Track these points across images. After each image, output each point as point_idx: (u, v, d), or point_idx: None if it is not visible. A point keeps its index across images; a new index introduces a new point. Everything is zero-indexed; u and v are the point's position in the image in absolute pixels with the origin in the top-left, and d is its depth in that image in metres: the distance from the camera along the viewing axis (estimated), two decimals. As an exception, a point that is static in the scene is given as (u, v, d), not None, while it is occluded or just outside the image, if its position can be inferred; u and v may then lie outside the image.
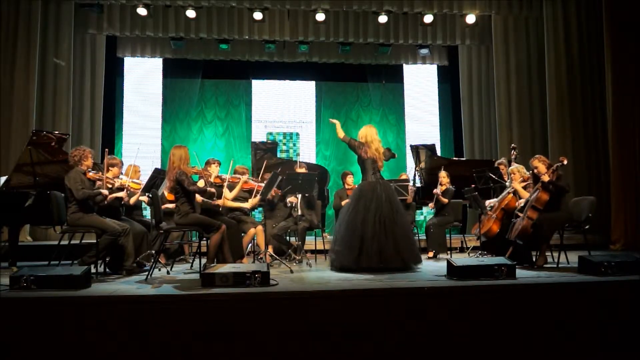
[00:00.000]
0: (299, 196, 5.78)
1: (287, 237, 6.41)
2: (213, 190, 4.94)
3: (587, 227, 4.97)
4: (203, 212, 4.86)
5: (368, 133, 5.11)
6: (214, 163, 5.63)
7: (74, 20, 8.23)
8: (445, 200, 6.37)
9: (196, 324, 3.26)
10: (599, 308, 3.56)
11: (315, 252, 6.14)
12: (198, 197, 4.90)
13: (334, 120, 5.36)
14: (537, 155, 5.02)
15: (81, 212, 4.54)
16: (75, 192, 4.49)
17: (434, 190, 6.44)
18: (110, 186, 4.84)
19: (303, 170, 6.00)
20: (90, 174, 4.73)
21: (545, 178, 4.73)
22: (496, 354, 3.40)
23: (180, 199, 4.56)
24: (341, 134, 5.23)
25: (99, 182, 4.76)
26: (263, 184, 5.37)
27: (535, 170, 4.85)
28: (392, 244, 4.70)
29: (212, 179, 5.07)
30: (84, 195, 4.52)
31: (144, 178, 5.39)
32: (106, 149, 5.20)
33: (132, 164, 5.54)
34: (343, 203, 6.47)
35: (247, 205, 5.56)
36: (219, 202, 5.30)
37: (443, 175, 6.51)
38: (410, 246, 4.89)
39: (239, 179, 5.42)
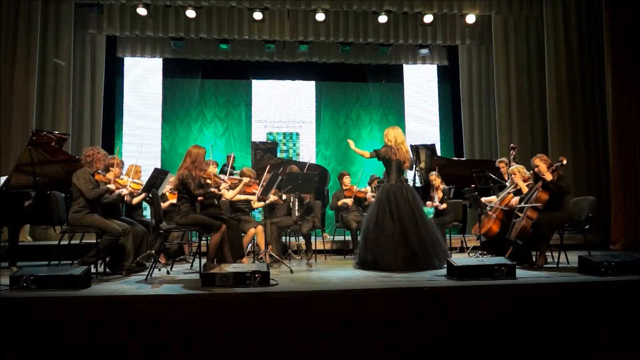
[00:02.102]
0: (296, 201, 5.76)
1: (287, 237, 6.43)
2: (215, 191, 4.95)
3: (587, 227, 4.97)
4: (203, 212, 4.85)
5: (397, 136, 5.12)
6: (213, 164, 5.62)
7: (74, 20, 8.23)
8: (444, 206, 6.36)
9: (196, 324, 3.26)
10: (599, 308, 3.56)
11: (315, 252, 6.14)
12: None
13: (353, 146, 5.34)
14: (538, 154, 5.01)
15: (84, 211, 4.53)
16: (86, 192, 4.48)
17: (434, 204, 6.41)
18: (119, 187, 4.85)
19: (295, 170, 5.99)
20: (99, 176, 4.73)
21: (548, 177, 4.73)
22: (496, 354, 3.40)
23: (182, 198, 4.55)
24: (366, 154, 5.22)
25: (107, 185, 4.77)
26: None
27: (537, 169, 4.85)
28: (430, 244, 4.81)
29: (222, 187, 5.06)
30: (95, 194, 4.52)
31: (145, 179, 5.39)
32: (117, 147, 5.20)
33: (134, 164, 5.54)
34: (339, 203, 6.51)
35: (252, 198, 5.57)
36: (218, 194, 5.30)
37: (433, 177, 6.48)
38: (442, 244, 4.99)
39: (239, 180, 5.41)
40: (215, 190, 4.83)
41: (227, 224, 4.67)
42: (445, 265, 4.68)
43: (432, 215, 6.78)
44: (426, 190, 6.96)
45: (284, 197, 5.93)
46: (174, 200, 5.57)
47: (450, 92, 10.14)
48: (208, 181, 4.80)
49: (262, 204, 5.51)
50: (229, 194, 5.37)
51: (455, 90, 9.90)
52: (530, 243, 4.88)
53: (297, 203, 5.73)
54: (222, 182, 5.09)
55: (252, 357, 3.24)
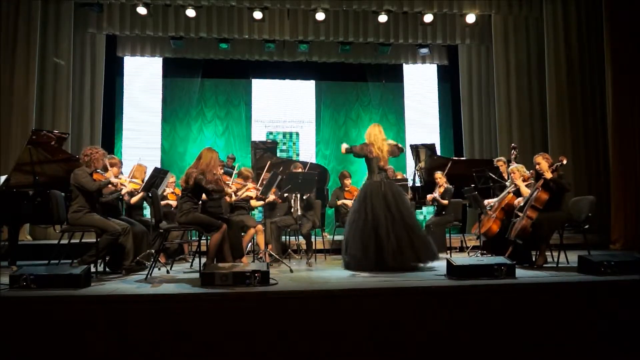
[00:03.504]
0: (297, 198, 5.76)
1: (287, 237, 6.43)
2: (228, 189, 4.96)
3: (586, 226, 4.96)
4: (203, 211, 4.86)
5: (371, 132, 5.08)
6: (220, 164, 5.63)
7: (73, 20, 8.23)
8: (446, 202, 6.37)
9: (196, 324, 3.26)
10: (599, 308, 3.56)
11: (315, 251, 6.14)
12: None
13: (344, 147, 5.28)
14: (541, 153, 5.01)
15: (83, 210, 4.53)
16: (87, 185, 4.48)
17: (434, 196, 6.42)
18: (116, 186, 4.86)
19: (299, 170, 5.99)
20: (97, 175, 4.73)
21: (548, 175, 4.73)
22: (496, 353, 3.40)
23: (185, 196, 4.55)
24: (343, 149, 5.16)
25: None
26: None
27: (537, 167, 4.84)
28: (408, 243, 4.67)
29: (229, 191, 5.07)
30: (96, 186, 4.53)
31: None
32: (112, 155, 5.23)
33: (140, 164, 5.56)
34: (339, 202, 6.52)
35: (252, 194, 5.58)
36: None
37: (439, 176, 6.51)
38: (425, 243, 4.84)
39: (244, 184, 5.43)
40: (227, 189, 4.85)
41: (227, 224, 4.68)
42: (429, 268, 4.67)
43: (433, 214, 6.80)
44: (426, 190, 6.97)
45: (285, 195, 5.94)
46: (171, 201, 5.57)
47: (450, 91, 10.14)
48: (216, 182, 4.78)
49: (261, 202, 5.52)
50: (232, 198, 5.38)
51: (455, 90, 9.90)
52: (530, 243, 4.88)
53: (297, 200, 5.73)
54: (229, 187, 5.09)
55: (252, 357, 3.24)
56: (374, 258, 4.63)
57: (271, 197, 5.68)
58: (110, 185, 4.75)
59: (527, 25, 8.90)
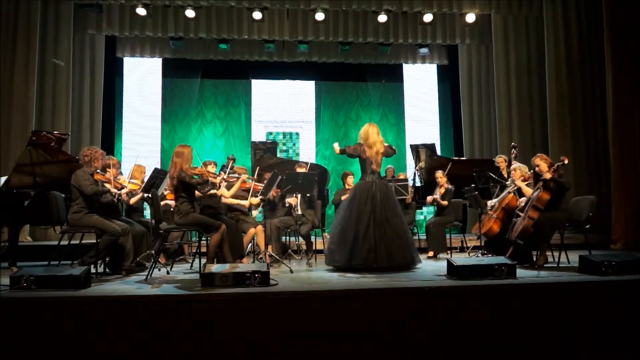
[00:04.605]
0: (299, 196, 5.76)
1: (288, 237, 6.42)
2: (213, 179, 4.95)
3: (587, 226, 4.96)
4: (203, 212, 4.85)
5: (369, 133, 5.01)
6: (210, 164, 5.63)
7: (73, 20, 8.25)
8: (445, 203, 6.36)
9: (196, 324, 3.26)
10: (599, 308, 3.56)
11: (315, 252, 6.13)
12: (197, 193, 4.89)
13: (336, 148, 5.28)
14: (539, 154, 5.01)
15: (83, 211, 4.53)
16: (84, 188, 4.48)
17: (434, 197, 6.41)
18: (117, 187, 4.86)
19: (303, 169, 5.98)
20: (98, 175, 4.73)
21: (547, 176, 4.72)
22: (496, 353, 3.40)
23: (180, 198, 4.55)
24: (336, 149, 5.10)
25: (105, 184, 4.77)
26: (261, 184, 5.38)
27: (537, 169, 4.84)
28: (384, 245, 4.67)
29: (217, 181, 5.07)
30: (93, 190, 4.52)
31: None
32: (110, 156, 5.23)
33: (139, 164, 5.55)
34: (343, 197, 6.51)
35: (245, 203, 5.56)
36: (216, 191, 5.31)
37: (439, 176, 6.50)
38: (404, 248, 4.79)
39: (237, 177, 5.42)
40: (214, 179, 4.83)
41: (227, 224, 4.67)
42: (410, 268, 4.68)
43: (433, 214, 6.79)
44: (426, 190, 6.95)
45: (287, 203, 5.93)
46: (169, 201, 5.58)
47: (450, 91, 10.14)
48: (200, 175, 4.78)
49: (257, 200, 5.51)
50: (227, 193, 5.37)
51: (455, 90, 9.90)
52: (530, 243, 4.87)
53: (298, 201, 5.72)
54: (216, 177, 5.08)
55: (252, 358, 3.24)
56: (347, 254, 4.68)
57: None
58: (107, 195, 4.76)
59: (527, 25, 8.90)
